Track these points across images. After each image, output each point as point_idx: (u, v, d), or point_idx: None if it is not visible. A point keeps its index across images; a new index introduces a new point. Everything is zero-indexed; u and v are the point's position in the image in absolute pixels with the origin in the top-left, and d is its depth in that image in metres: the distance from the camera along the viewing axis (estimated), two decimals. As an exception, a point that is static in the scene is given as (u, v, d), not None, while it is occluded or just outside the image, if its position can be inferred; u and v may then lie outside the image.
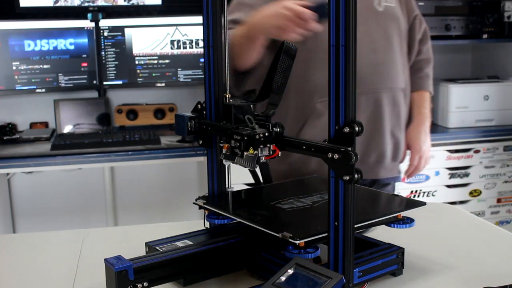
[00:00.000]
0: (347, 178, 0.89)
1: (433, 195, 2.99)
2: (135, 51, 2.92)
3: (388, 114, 1.61)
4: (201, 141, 1.19)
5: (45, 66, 2.83)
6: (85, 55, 2.87)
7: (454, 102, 3.05)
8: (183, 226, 1.34)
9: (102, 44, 2.87)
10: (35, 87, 2.84)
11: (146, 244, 1.15)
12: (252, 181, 1.28)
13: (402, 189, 2.93)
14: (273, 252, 1.07)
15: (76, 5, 2.85)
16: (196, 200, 1.17)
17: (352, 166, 0.88)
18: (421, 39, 1.81)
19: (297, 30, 1.31)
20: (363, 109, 1.55)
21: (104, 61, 2.89)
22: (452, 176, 3.00)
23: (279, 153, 1.04)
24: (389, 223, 1.08)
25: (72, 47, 2.85)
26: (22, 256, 1.25)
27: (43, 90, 2.85)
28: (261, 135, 1.00)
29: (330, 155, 0.90)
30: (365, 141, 1.58)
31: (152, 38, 2.91)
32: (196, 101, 1.23)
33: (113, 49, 2.89)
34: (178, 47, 2.94)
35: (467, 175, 3.02)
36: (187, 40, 2.92)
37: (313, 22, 1.29)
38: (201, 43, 2.87)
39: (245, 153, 0.99)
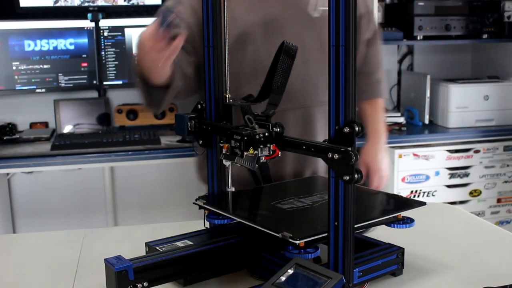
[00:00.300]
0: (347, 178, 0.89)
1: (433, 195, 2.99)
2: (135, 51, 2.91)
3: (322, 129, 1.52)
4: (201, 141, 1.19)
5: (45, 66, 2.83)
6: (85, 55, 2.87)
7: (454, 102, 3.05)
8: (183, 226, 1.34)
9: (102, 44, 2.87)
10: (35, 87, 2.84)
11: (146, 244, 1.15)
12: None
13: (402, 189, 2.93)
14: (273, 252, 1.07)
15: (76, 5, 2.85)
16: (196, 200, 1.17)
17: (352, 166, 0.88)
18: (369, 40, 1.66)
19: (164, 55, 1.16)
20: (292, 125, 1.46)
21: (104, 61, 2.89)
22: (452, 176, 3.00)
23: (279, 153, 1.04)
24: (389, 223, 1.08)
25: (72, 47, 2.85)
26: (22, 256, 1.25)
27: (43, 90, 2.85)
28: (261, 135, 1.00)
29: (330, 155, 0.90)
30: (297, 158, 1.50)
31: (152, 38, 2.91)
32: (196, 101, 1.23)
33: (113, 49, 2.89)
34: (178, 47, 2.93)
35: (467, 175, 3.02)
36: (187, 40, 2.92)
37: (170, 40, 1.13)
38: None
39: (245, 153, 0.99)
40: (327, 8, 1.53)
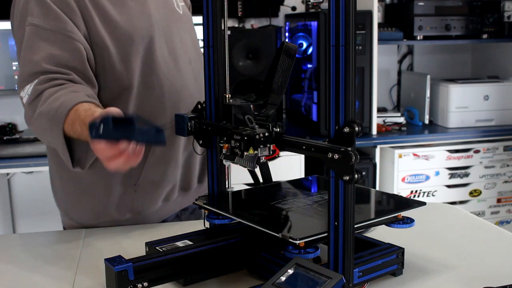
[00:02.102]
0: (347, 178, 0.89)
1: (433, 195, 2.99)
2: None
3: None
4: (201, 141, 1.19)
5: (45, 66, 2.83)
6: (85, 55, 2.87)
7: (454, 102, 3.05)
8: (183, 226, 1.34)
9: (102, 44, 2.87)
10: (35, 87, 2.83)
11: (146, 244, 1.15)
12: (252, 181, 1.28)
13: (402, 189, 2.93)
14: (273, 252, 1.07)
15: (76, 5, 2.85)
16: (196, 200, 1.17)
17: (352, 166, 0.88)
18: None
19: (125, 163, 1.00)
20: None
21: (104, 61, 2.88)
22: (452, 176, 3.00)
23: (279, 153, 1.04)
24: (389, 223, 1.08)
25: (72, 47, 2.85)
26: (22, 256, 1.25)
27: (43, 90, 2.85)
28: (261, 135, 1.00)
29: (330, 155, 0.90)
30: (187, 161, 1.45)
31: (152, 38, 2.91)
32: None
33: (113, 49, 2.89)
34: (178, 47, 2.93)
35: (467, 175, 3.02)
36: (187, 40, 2.92)
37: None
38: (201, 43, 2.86)
39: (245, 153, 0.99)
40: (185, 4, 1.49)
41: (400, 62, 3.52)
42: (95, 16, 1.27)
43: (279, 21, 3.27)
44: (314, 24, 2.84)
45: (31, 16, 1.25)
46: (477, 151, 3.01)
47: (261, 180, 1.27)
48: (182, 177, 1.45)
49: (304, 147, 0.97)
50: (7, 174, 2.97)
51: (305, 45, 2.98)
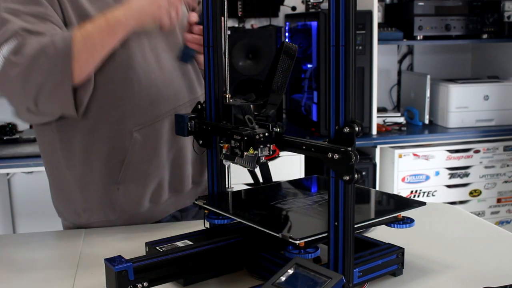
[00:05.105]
0: (347, 178, 0.89)
1: (433, 195, 2.99)
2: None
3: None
4: (201, 141, 1.19)
5: (45, 66, 2.83)
6: (85, 55, 2.87)
7: (454, 102, 3.05)
8: (183, 226, 1.34)
9: (102, 44, 2.86)
10: (35, 87, 2.83)
11: (146, 244, 1.15)
12: (252, 181, 1.28)
13: (402, 189, 2.93)
14: (273, 252, 1.07)
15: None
16: (196, 200, 1.17)
17: (352, 166, 0.88)
18: None
19: (169, 14, 1.25)
20: (166, 134, 1.38)
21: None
22: (452, 176, 3.00)
23: (279, 153, 1.04)
24: (389, 223, 1.08)
25: (72, 47, 2.85)
26: (22, 256, 1.25)
27: (43, 90, 2.85)
28: (261, 135, 1.00)
29: (330, 155, 0.90)
30: (175, 160, 1.43)
31: (152, 38, 2.90)
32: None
33: (113, 49, 2.89)
34: (178, 47, 2.93)
35: (467, 175, 3.02)
36: (187, 40, 2.92)
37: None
38: (201, 43, 2.86)
39: (245, 153, 0.99)
40: None
41: (400, 62, 3.52)
42: (70, 10, 1.26)
43: (279, 21, 3.27)
44: (314, 24, 2.84)
45: (6, 2, 1.21)
46: (477, 151, 3.02)
47: (261, 180, 1.27)
48: (170, 176, 1.43)
49: (304, 147, 0.97)
50: (7, 174, 2.97)
51: (305, 45, 2.98)
